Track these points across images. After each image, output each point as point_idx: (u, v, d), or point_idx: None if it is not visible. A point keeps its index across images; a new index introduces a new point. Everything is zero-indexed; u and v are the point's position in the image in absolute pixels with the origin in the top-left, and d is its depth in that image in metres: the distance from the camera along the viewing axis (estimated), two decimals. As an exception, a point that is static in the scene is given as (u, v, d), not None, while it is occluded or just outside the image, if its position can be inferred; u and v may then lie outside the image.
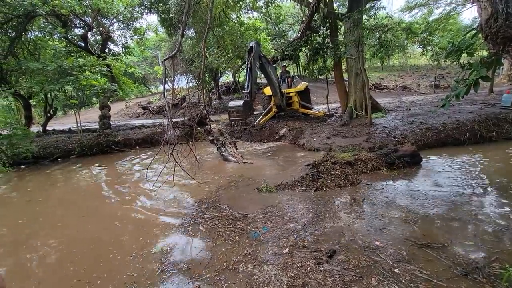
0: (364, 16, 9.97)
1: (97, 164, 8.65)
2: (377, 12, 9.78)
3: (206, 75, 19.46)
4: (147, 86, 37.77)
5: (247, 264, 2.86)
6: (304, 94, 12.00)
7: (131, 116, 25.07)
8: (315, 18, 10.46)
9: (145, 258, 3.18)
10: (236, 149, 7.80)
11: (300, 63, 13.85)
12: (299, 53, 12.68)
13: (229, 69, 21.84)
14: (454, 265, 2.62)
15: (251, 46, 7.87)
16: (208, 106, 20.47)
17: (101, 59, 10.33)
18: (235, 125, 7.54)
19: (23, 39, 10.81)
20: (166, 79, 11.47)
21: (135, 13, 13.08)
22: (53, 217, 4.80)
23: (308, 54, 11.71)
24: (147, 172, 6.36)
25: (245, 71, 7.86)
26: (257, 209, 4.21)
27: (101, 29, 12.88)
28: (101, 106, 12.23)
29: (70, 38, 11.94)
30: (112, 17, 13.00)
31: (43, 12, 9.51)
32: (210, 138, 7.79)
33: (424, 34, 16.96)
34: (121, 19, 13.36)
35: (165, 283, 2.74)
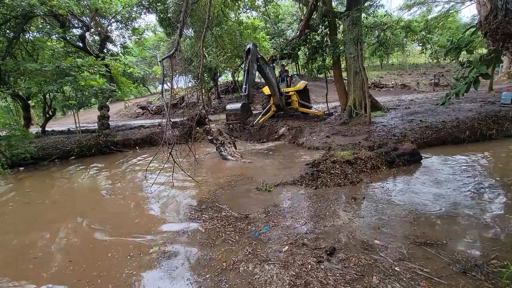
0: (363, 14, 9.93)
1: (96, 165, 8.62)
2: (376, 10, 9.74)
3: (205, 74, 19.42)
4: (146, 86, 37.70)
5: (247, 263, 2.84)
6: (304, 93, 11.97)
7: (130, 117, 25.01)
8: (314, 16, 10.43)
9: (144, 258, 3.17)
10: (236, 148, 7.78)
11: (299, 62, 13.82)
12: (298, 52, 12.66)
13: (228, 69, 21.79)
14: (453, 262, 2.62)
15: (248, 48, 7.82)
16: (207, 106, 20.43)
17: (100, 59, 10.29)
18: (233, 129, 7.46)
19: (21, 39, 10.76)
20: (165, 79, 11.44)
21: (133, 13, 13.03)
22: (52, 218, 4.78)
23: (307, 53, 11.69)
24: (146, 172, 6.34)
25: (243, 72, 7.79)
26: (257, 209, 4.20)
27: (99, 29, 12.83)
28: (100, 107, 12.19)
29: (68, 38, 11.89)
30: (110, 17, 12.94)
31: (41, 13, 9.46)
32: (209, 137, 7.77)
33: (423, 32, 16.95)
34: (119, 19, 13.30)
35: (164, 283, 2.72)
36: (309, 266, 2.69)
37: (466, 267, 2.53)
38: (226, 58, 14.77)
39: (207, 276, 2.73)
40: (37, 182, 7.28)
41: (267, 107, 12.08)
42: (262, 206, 4.29)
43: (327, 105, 12.84)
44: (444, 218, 3.50)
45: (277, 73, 13.27)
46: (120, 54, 15.09)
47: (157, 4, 12.18)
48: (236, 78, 24.97)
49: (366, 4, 9.76)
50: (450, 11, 19.12)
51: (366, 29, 9.96)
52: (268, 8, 15.17)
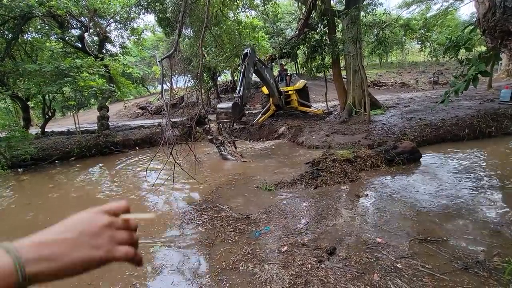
0: (362, 13, 9.93)
1: (96, 166, 8.63)
2: (375, 8, 9.75)
3: (204, 74, 19.42)
4: (145, 86, 37.66)
5: (247, 263, 2.85)
6: (303, 92, 11.98)
7: (130, 117, 25.01)
8: (313, 15, 10.42)
9: (144, 258, 3.17)
10: (235, 148, 7.78)
11: (298, 61, 13.81)
12: (297, 51, 12.66)
13: (228, 68, 21.78)
14: (455, 259, 2.63)
15: (246, 52, 7.84)
16: (206, 106, 20.42)
17: (99, 59, 10.28)
18: (222, 128, 7.24)
19: (20, 40, 10.75)
20: (164, 78, 11.44)
21: (132, 13, 13.01)
22: (52, 219, 4.79)
23: (306, 52, 11.69)
24: (146, 172, 6.35)
25: (239, 75, 7.77)
26: (258, 209, 4.21)
27: (98, 29, 12.83)
28: (99, 107, 12.19)
29: (67, 39, 11.88)
30: (109, 17, 12.94)
31: (40, 13, 9.45)
32: (209, 137, 7.76)
33: (422, 31, 16.95)
34: (118, 19, 13.30)
35: (164, 283, 2.73)
36: (309, 266, 2.70)
37: (468, 263, 2.54)
38: (225, 58, 14.76)
39: (207, 276, 2.73)
40: (37, 183, 7.29)
41: (267, 106, 12.09)
42: (263, 206, 4.30)
43: (327, 104, 12.85)
44: (444, 215, 3.51)
45: (276, 72, 13.28)
46: (119, 55, 15.08)
47: (156, 4, 12.17)
48: (235, 78, 24.96)
49: (365, 3, 9.76)
50: (449, 9, 19.14)
51: (365, 28, 9.96)
52: (267, 7, 15.17)
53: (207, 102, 21.45)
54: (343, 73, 12.07)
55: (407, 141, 6.23)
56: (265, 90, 11.90)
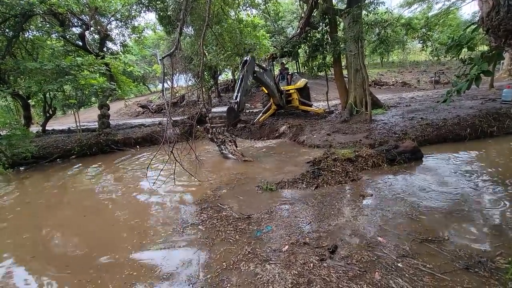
0: (364, 12, 9.89)
1: (97, 164, 8.63)
2: (377, 7, 9.69)
3: (205, 73, 19.39)
4: (146, 85, 37.67)
5: (248, 263, 2.84)
6: (304, 91, 11.96)
7: (131, 115, 25.00)
8: (314, 14, 10.40)
9: (144, 258, 3.17)
10: (236, 147, 7.76)
11: (299, 60, 13.78)
12: (298, 50, 12.62)
13: (229, 67, 21.73)
14: (456, 258, 2.63)
15: (245, 60, 7.79)
16: (207, 104, 20.39)
17: (100, 58, 10.26)
18: (215, 133, 7.00)
19: (20, 38, 10.73)
20: (165, 77, 11.43)
21: (133, 11, 12.97)
22: (52, 218, 4.79)
23: (308, 51, 11.65)
24: (147, 171, 6.34)
25: (238, 80, 7.64)
26: (259, 208, 4.21)
27: (99, 27, 12.80)
28: (100, 106, 12.17)
29: (68, 37, 11.86)
30: (110, 16, 12.90)
31: (40, 11, 9.44)
32: (210, 136, 7.75)
33: (424, 30, 16.89)
34: (119, 17, 13.25)
35: (164, 282, 2.72)
36: (312, 265, 2.69)
37: (469, 263, 2.54)
38: (226, 56, 14.72)
39: (208, 276, 2.72)
40: (38, 181, 7.29)
41: (268, 105, 12.07)
42: (264, 205, 4.29)
43: (328, 103, 12.82)
44: (446, 215, 3.50)
45: (277, 71, 13.25)
46: (120, 53, 15.05)
47: (157, 2, 12.13)
48: (236, 77, 24.93)
49: (366, 1, 9.71)
50: (451, 8, 19.02)
51: (367, 27, 9.91)
52: (268, 5, 15.12)
53: (208, 101, 21.42)
54: (344, 72, 12.04)
55: (408, 141, 6.22)
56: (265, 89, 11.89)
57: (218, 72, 22.85)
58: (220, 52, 14.33)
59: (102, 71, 10.11)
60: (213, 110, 7.13)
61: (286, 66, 14.24)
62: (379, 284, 2.37)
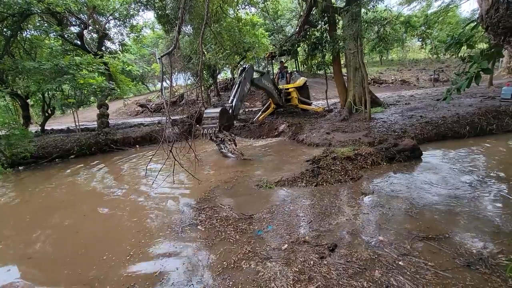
0: (363, 10, 9.87)
1: (96, 163, 8.62)
2: (376, 5, 9.68)
3: (204, 72, 19.35)
4: (145, 84, 37.59)
5: (249, 261, 2.84)
6: (303, 90, 11.95)
7: (130, 115, 24.96)
8: (313, 12, 10.36)
9: (143, 258, 3.16)
10: (236, 145, 7.76)
11: (298, 58, 13.78)
12: (298, 48, 12.60)
13: (228, 66, 21.70)
14: (458, 256, 2.64)
15: (244, 68, 7.74)
16: (206, 103, 20.38)
17: (98, 57, 10.24)
18: (206, 133, 6.53)
19: (18, 38, 10.69)
20: (164, 76, 11.40)
21: (131, 10, 12.94)
22: (51, 217, 4.79)
23: (307, 49, 11.64)
24: (146, 170, 6.33)
25: (235, 86, 7.53)
26: (258, 207, 4.21)
27: (97, 26, 12.76)
28: (99, 105, 12.15)
29: (66, 36, 11.82)
30: (108, 15, 12.86)
31: (38, 11, 9.40)
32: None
33: (423, 28, 16.86)
34: (117, 16, 13.21)
35: (164, 284, 2.70)
36: (312, 262, 2.70)
37: (470, 260, 2.55)
38: (225, 55, 14.69)
39: (210, 275, 2.72)
40: (37, 181, 7.28)
41: (267, 104, 12.06)
42: (263, 204, 4.29)
43: (327, 101, 12.82)
44: (445, 213, 3.51)
45: (276, 69, 13.22)
46: (119, 52, 15.02)
47: (155, 1, 12.09)
48: (235, 75, 24.88)
49: (365, -1, 9.69)
50: (450, 6, 18.99)
51: (366, 25, 9.90)
52: (267, 4, 15.07)
53: (207, 100, 21.39)
54: (344, 70, 12.03)
55: (407, 139, 6.22)
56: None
57: (217, 71, 22.80)
58: (219, 51, 14.31)
59: (100, 71, 10.10)
60: (206, 111, 6.90)
61: (285, 64, 14.21)
62: (379, 282, 2.37)
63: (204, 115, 6.70)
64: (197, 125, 9.22)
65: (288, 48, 11.56)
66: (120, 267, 3.02)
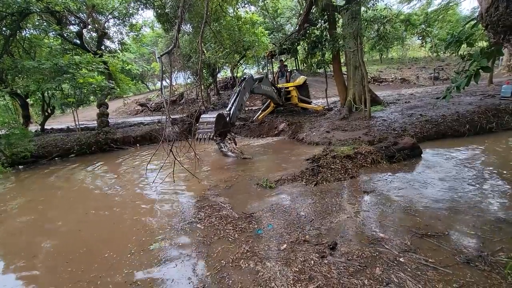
0: (363, 8, 9.85)
1: (96, 163, 8.63)
2: (376, 3, 9.66)
3: (204, 70, 19.33)
4: (144, 83, 37.54)
5: (247, 261, 2.85)
6: (303, 88, 11.94)
7: (129, 114, 24.96)
8: (313, 10, 10.35)
9: (144, 256, 3.17)
10: (236, 144, 7.78)
11: (298, 57, 13.76)
12: (297, 47, 12.58)
13: (227, 65, 21.67)
14: (457, 253, 2.66)
15: (244, 78, 7.75)
16: (206, 102, 20.37)
17: (98, 56, 10.23)
18: (202, 138, 6.38)
19: (18, 37, 10.68)
20: (164, 75, 11.39)
21: (130, 9, 12.90)
22: (53, 216, 4.80)
23: (306, 48, 11.62)
24: (146, 169, 6.34)
25: (234, 94, 7.54)
26: (258, 205, 4.22)
27: (96, 25, 12.73)
28: (99, 104, 12.14)
29: (65, 35, 11.80)
30: (107, 13, 12.83)
31: (37, 10, 9.38)
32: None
33: (423, 26, 16.82)
34: (117, 15, 13.18)
35: (165, 283, 2.71)
36: (312, 262, 2.71)
37: (469, 257, 2.56)
38: (225, 54, 14.67)
39: (208, 274, 2.73)
40: (37, 180, 7.29)
41: (267, 103, 12.06)
42: (263, 203, 4.30)
43: (327, 100, 12.81)
44: (445, 210, 3.52)
45: (276, 68, 13.21)
46: (118, 51, 14.99)
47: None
48: (235, 74, 24.86)
49: (365, -2, 9.67)
50: (450, 4, 18.95)
51: (366, 23, 9.88)
52: (267, 2, 15.05)
53: (207, 99, 21.38)
54: (344, 69, 12.02)
55: (407, 137, 6.22)
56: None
57: (217, 70, 22.77)
58: (219, 50, 14.28)
59: (100, 70, 10.08)
60: (202, 116, 6.81)
61: (285, 63, 14.19)
62: (380, 279, 2.39)
63: (200, 120, 6.62)
64: (197, 124, 9.23)
65: (288, 46, 11.55)
66: (121, 265, 3.04)
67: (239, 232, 3.44)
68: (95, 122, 12.39)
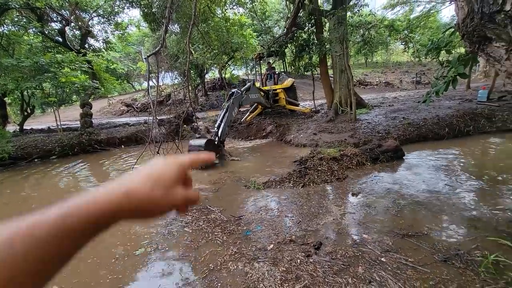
0: (348, 13, 10.09)
1: (79, 164, 8.37)
2: (361, 9, 9.93)
3: (191, 71, 19.16)
4: (130, 83, 36.73)
5: (236, 262, 2.86)
6: (291, 91, 12.07)
7: (114, 114, 24.34)
8: (301, 14, 10.49)
9: (129, 261, 3.11)
10: (224, 146, 7.76)
11: (286, 60, 13.90)
12: (285, 50, 12.71)
13: (215, 65, 21.57)
14: (436, 251, 2.77)
15: (233, 92, 7.74)
16: (194, 103, 20.18)
17: (81, 55, 9.93)
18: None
19: (-5, 33, 10.20)
20: (150, 75, 11.21)
21: (116, 7, 12.64)
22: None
23: (294, 51, 11.76)
24: (132, 171, 6.18)
25: (223, 110, 7.40)
26: (246, 207, 4.23)
27: (80, 23, 12.38)
28: (82, 104, 11.78)
29: (46, 32, 11.39)
30: (91, 11, 12.51)
31: (17, 5, 9.00)
32: (197, 135, 7.70)
33: (406, 32, 17.43)
34: (101, 13, 12.88)
35: (151, 286, 2.68)
36: (298, 261, 2.76)
37: (447, 256, 2.68)
38: (213, 55, 14.60)
39: (196, 278, 2.71)
40: (16, 182, 6.98)
41: (255, 105, 12.10)
42: (251, 204, 4.32)
43: (314, 102, 13.00)
44: (425, 210, 3.66)
45: (264, 70, 13.29)
46: (103, 50, 14.62)
47: (141, -2, 11.87)
48: (223, 75, 24.77)
49: (351, 3, 9.92)
50: (431, 11, 19.76)
51: (352, 28, 10.12)
52: (255, 4, 15.12)
53: (194, 100, 21.19)
54: (330, 72, 12.25)
55: (391, 140, 6.42)
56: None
57: (205, 71, 22.63)
58: (207, 51, 14.21)
59: (84, 69, 9.80)
60: (191, 142, 6.68)
61: (273, 65, 14.30)
62: (362, 277, 2.46)
63: (189, 148, 6.39)
64: (184, 125, 9.14)
65: (276, 49, 11.65)
66: (106, 271, 2.96)
67: (228, 235, 3.44)
68: (78, 122, 12.02)
